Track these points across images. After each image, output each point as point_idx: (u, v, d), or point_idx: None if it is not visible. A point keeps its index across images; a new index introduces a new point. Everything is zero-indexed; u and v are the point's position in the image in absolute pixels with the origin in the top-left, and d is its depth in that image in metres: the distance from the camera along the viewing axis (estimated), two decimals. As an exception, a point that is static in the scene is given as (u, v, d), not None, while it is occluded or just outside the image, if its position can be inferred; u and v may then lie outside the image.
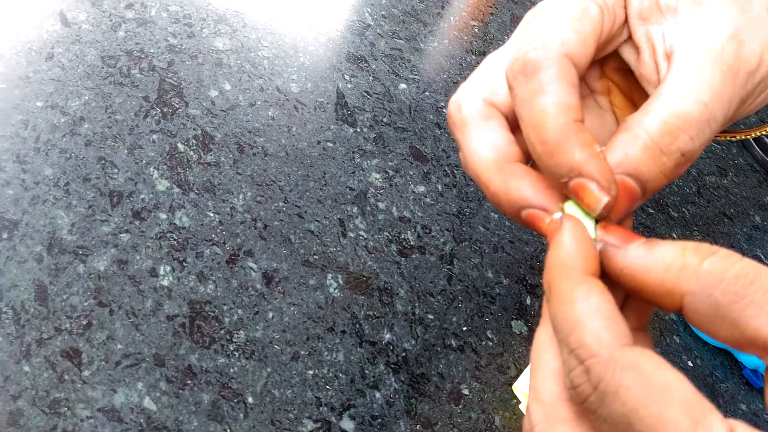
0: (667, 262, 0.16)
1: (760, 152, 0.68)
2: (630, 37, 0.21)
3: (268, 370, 0.33)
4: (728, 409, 0.44)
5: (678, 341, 0.45)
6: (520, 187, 0.19)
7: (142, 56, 0.43)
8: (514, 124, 0.22)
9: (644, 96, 0.20)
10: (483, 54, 0.60)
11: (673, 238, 0.51)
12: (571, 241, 0.18)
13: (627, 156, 0.19)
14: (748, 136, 0.29)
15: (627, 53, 0.23)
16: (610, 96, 0.25)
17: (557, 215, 0.18)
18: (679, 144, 0.19)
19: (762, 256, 0.57)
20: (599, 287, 0.16)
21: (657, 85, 0.20)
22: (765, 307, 0.15)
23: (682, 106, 0.19)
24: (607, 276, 0.17)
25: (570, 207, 0.18)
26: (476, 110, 0.20)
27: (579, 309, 0.15)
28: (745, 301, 0.15)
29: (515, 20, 0.66)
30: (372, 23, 0.56)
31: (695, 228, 0.55)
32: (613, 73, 0.22)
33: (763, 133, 0.29)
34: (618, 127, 0.20)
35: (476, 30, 0.62)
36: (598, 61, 0.23)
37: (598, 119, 0.23)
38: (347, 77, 0.50)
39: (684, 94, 0.19)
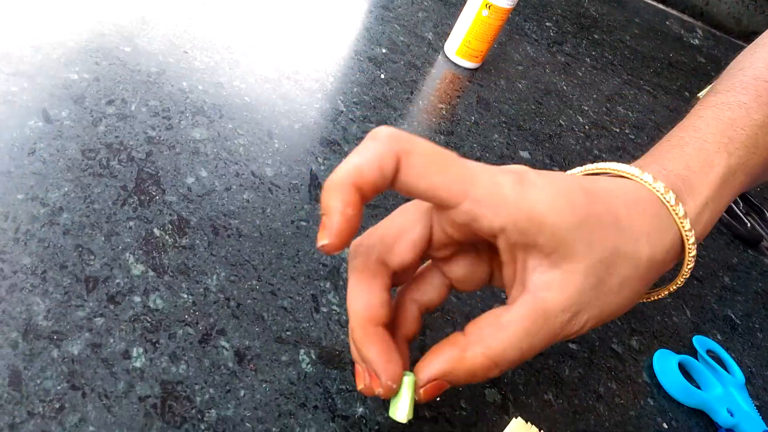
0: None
1: (726, 215, 0.70)
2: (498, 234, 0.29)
3: (240, 448, 0.33)
4: (709, 472, 0.44)
5: (652, 403, 0.46)
6: (369, 350, 0.31)
7: (122, 148, 0.46)
8: (408, 266, 0.33)
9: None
10: (451, 133, 0.63)
11: (643, 302, 0.53)
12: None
13: (448, 367, 0.31)
14: (663, 294, 0.37)
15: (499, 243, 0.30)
16: (449, 264, 0.34)
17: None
18: (490, 373, 0.30)
19: (733, 316, 0.58)
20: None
21: (505, 280, 0.32)
22: None
23: (506, 353, 0.30)
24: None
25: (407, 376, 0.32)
26: (367, 266, 0.32)
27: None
28: None
29: (480, 101, 0.70)
30: (344, 109, 0.60)
31: (664, 291, 0.56)
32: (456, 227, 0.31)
33: (670, 291, 0.37)
34: (448, 339, 0.31)
35: (444, 112, 0.66)
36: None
37: (437, 280, 0.35)
38: (320, 159, 0.53)
39: (511, 342, 0.30)
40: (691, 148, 0.34)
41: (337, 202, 0.27)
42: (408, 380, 0.31)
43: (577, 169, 0.36)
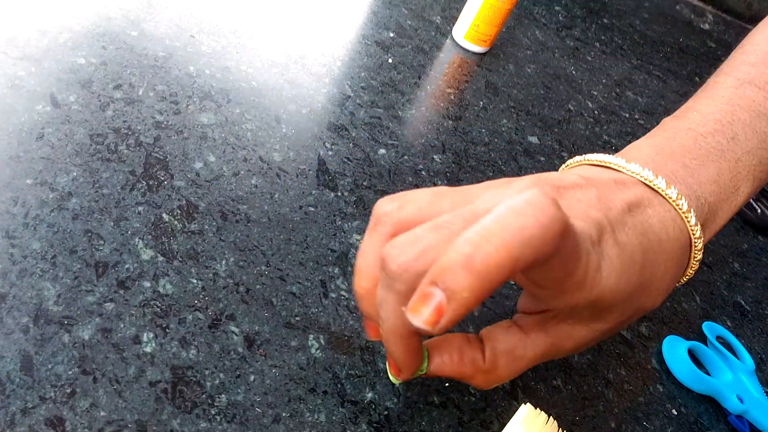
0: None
1: (736, 201, 0.69)
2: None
3: (250, 432, 0.33)
4: (718, 458, 0.44)
5: (662, 390, 0.46)
6: (397, 350, 0.30)
7: (129, 133, 0.45)
8: None
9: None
10: (459, 118, 0.62)
11: (652, 288, 0.52)
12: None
13: (457, 377, 0.33)
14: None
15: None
16: None
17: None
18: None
19: (743, 302, 0.57)
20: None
21: (523, 306, 0.33)
22: None
23: (509, 378, 0.34)
24: None
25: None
26: (411, 290, 0.25)
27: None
28: None
29: (489, 86, 0.69)
30: (352, 94, 0.59)
31: (674, 277, 0.56)
32: None
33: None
34: (470, 354, 0.33)
35: (452, 97, 0.65)
36: None
37: None
38: (328, 145, 0.52)
39: (520, 371, 0.33)
40: (726, 166, 0.35)
41: (471, 291, 0.21)
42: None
43: (635, 168, 0.32)
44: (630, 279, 0.29)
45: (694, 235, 0.32)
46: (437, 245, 0.24)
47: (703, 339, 0.51)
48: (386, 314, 0.28)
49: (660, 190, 0.32)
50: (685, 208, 0.32)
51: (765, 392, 0.48)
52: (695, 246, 0.33)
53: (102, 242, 0.38)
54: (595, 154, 0.35)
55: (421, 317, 0.21)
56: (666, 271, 0.31)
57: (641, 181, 0.32)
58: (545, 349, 0.32)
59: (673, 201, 0.32)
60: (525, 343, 0.32)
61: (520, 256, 0.20)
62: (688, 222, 0.32)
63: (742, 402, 0.45)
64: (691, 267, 0.34)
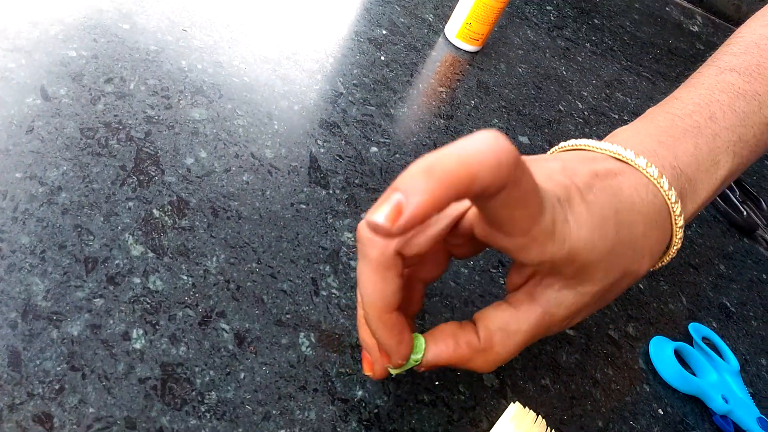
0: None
1: (722, 204, 0.70)
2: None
3: (240, 430, 0.33)
4: (702, 458, 0.45)
5: (648, 389, 0.46)
6: (383, 334, 0.31)
7: (120, 127, 0.45)
8: (422, 254, 0.32)
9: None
10: (450, 117, 0.63)
11: (640, 289, 0.53)
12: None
13: (454, 362, 0.33)
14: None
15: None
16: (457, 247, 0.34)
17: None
18: (489, 371, 0.34)
19: (728, 304, 0.58)
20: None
21: (511, 279, 0.34)
22: None
23: (510, 357, 0.33)
24: None
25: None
26: (386, 259, 0.30)
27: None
28: None
29: (480, 85, 0.70)
30: (344, 92, 0.59)
31: (662, 278, 0.57)
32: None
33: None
34: (465, 337, 0.33)
35: (444, 95, 0.65)
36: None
37: (441, 257, 0.35)
38: (320, 142, 0.52)
39: (518, 348, 0.33)
40: (704, 141, 0.35)
41: (427, 194, 0.22)
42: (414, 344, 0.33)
43: (604, 145, 0.34)
44: (605, 234, 0.29)
45: (670, 200, 0.32)
46: None
47: (689, 340, 0.51)
48: (364, 286, 0.29)
49: (629, 161, 0.33)
50: (656, 174, 0.32)
51: (749, 392, 0.48)
52: (674, 212, 0.33)
53: (92, 237, 0.38)
54: (568, 141, 0.36)
55: (381, 213, 0.22)
56: (646, 233, 0.32)
57: (611, 156, 0.33)
58: (538, 320, 0.31)
59: (643, 169, 0.32)
60: (517, 316, 0.32)
61: (476, 172, 0.22)
62: (662, 187, 0.32)
63: (726, 402, 0.45)
64: (676, 235, 0.34)
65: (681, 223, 0.33)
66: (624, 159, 0.33)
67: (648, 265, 0.32)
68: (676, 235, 0.34)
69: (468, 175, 0.22)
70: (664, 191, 0.32)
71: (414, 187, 0.22)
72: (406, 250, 0.30)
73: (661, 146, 0.34)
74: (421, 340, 0.33)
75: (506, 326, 0.32)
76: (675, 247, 0.35)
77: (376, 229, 0.22)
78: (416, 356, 0.32)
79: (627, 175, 0.32)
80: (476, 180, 0.22)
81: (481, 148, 0.22)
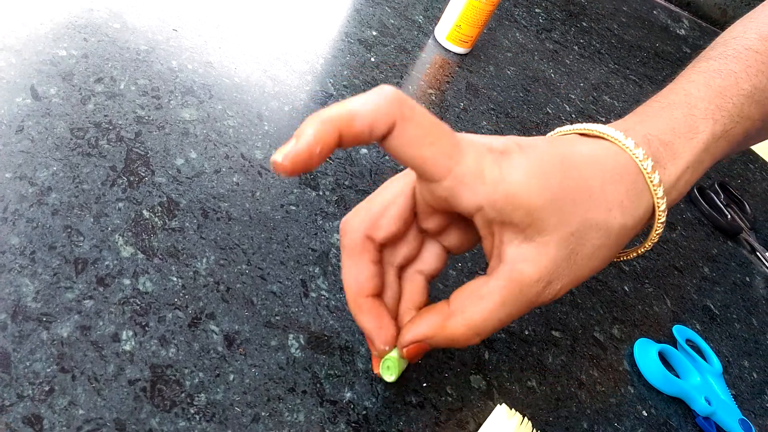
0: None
1: (707, 207, 0.71)
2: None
3: None
4: (685, 458, 0.46)
5: (632, 391, 0.47)
6: (362, 318, 0.34)
7: (111, 128, 0.45)
8: (396, 237, 0.34)
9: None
10: (440, 119, 0.63)
11: (625, 292, 0.54)
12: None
13: (430, 333, 0.33)
14: (632, 255, 0.38)
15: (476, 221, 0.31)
16: (442, 235, 0.35)
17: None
18: (471, 341, 0.32)
19: (712, 306, 0.59)
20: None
21: (485, 251, 0.33)
22: None
23: (485, 323, 0.31)
24: None
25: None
26: (355, 243, 0.34)
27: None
28: None
29: (470, 87, 0.70)
30: (334, 93, 0.59)
31: (646, 280, 0.57)
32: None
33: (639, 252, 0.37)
34: (434, 306, 0.33)
35: (433, 97, 0.66)
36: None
37: (435, 249, 0.36)
38: (310, 144, 0.52)
39: (490, 312, 0.31)
40: (679, 112, 0.35)
41: (312, 132, 0.26)
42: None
43: (566, 128, 0.35)
44: (546, 178, 0.29)
45: (636, 157, 0.32)
46: (369, 201, 0.34)
47: (674, 342, 0.52)
48: (346, 277, 0.34)
49: (592, 131, 0.33)
50: (620, 137, 0.32)
51: (732, 394, 0.49)
52: (645, 169, 0.32)
53: (81, 238, 0.38)
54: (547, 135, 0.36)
55: (279, 153, 0.26)
56: (605, 181, 0.31)
57: (576, 134, 0.34)
58: (507, 280, 0.30)
59: (608, 135, 0.33)
60: (487, 279, 0.31)
61: (354, 110, 0.26)
62: (627, 148, 0.32)
63: (709, 404, 0.46)
64: (656, 195, 0.33)
65: (656, 180, 0.32)
66: (587, 132, 0.34)
67: (620, 218, 0.31)
68: (656, 194, 0.32)
69: (347, 112, 0.26)
70: (631, 151, 0.32)
71: (303, 130, 0.26)
72: (375, 232, 0.33)
73: (636, 124, 0.35)
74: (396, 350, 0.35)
75: (477, 289, 0.31)
76: (660, 210, 0.33)
77: (274, 165, 0.26)
78: (392, 354, 0.35)
79: (584, 141, 0.33)
80: (356, 116, 0.26)
81: (363, 95, 0.27)
